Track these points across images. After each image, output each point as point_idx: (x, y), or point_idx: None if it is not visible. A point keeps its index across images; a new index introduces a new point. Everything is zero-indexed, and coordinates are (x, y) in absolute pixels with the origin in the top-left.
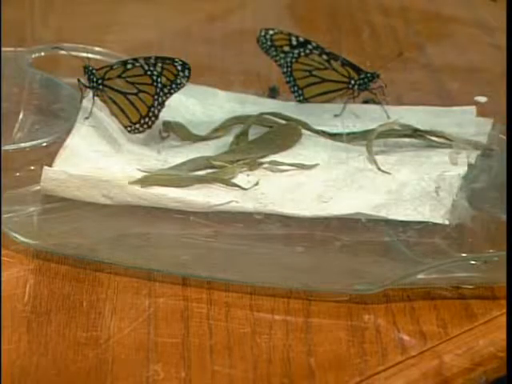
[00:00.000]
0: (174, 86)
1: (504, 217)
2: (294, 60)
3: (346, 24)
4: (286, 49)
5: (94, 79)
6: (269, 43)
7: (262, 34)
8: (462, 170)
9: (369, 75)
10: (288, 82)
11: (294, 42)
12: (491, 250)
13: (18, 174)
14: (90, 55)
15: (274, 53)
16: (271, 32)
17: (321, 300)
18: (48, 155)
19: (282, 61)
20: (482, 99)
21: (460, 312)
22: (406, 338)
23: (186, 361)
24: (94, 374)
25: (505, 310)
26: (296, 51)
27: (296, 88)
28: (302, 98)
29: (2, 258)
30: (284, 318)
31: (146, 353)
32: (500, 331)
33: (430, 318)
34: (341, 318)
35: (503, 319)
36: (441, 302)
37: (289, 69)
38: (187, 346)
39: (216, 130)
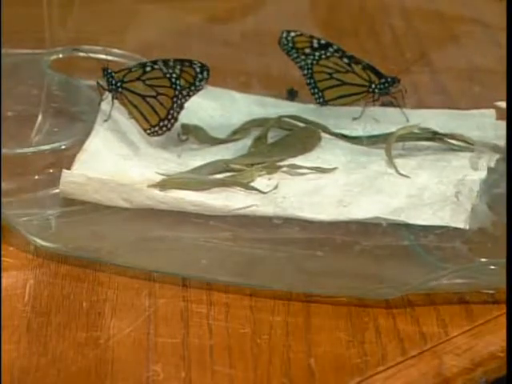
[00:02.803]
0: (192, 88)
1: None
2: (314, 62)
3: (367, 27)
4: (307, 51)
5: (113, 82)
6: (290, 45)
7: (284, 35)
8: (483, 174)
9: (389, 80)
10: (308, 84)
11: (316, 45)
12: None
13: (36, 176)
14: (108, 57)
15: (295, 55)
16: (292, 34)
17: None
18: (67, 158)
19: (303, 63)
20: (503, 104)
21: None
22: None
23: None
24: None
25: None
26: (317, 53)
27: (316, 90)
28: (322, 100)
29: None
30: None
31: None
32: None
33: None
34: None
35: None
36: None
37: (309, 71)
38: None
39: (235, 132)
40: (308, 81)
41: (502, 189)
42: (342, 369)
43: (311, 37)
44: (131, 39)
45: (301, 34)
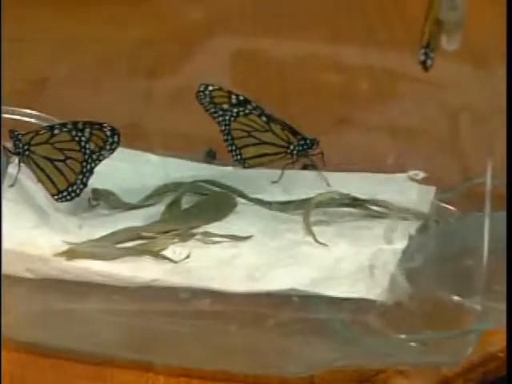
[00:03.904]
0: (103, 152)
1: (441, 294)
2: (232, 119)
3: (292, 84)
4: (226, 106)
5: (20, 145)
6: (208, 99)
7: (202, 88)
8: (401, 244)
9: (308, 141)
10: (225, 141)
11: (234, 101)
12: (429, 331)
13: None
14: (18, 117)
15: (213, 110)
16: (211, 88)
17: None
18: None
19: (221, 119)
20: (418, 175)
21: None
22: None
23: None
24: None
25: None
26: (235, 110)
27: (234, 148)
28: (239, 157)
29: None
30: None
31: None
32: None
33: None
34: None
35: None
36: None
37: (227, 127)
38: None
39: (148, 197)
40: (225, 137)
41: (421, 259)
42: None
43: (229, 92)
44: (46, 99)
45: (219, 89)
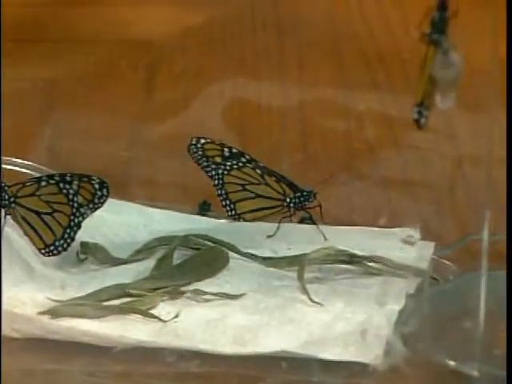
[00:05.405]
0: (91, 205)
1: (438, 358)
2: (225, 172)
3: (290, 134)
4: (218, 160)
5: (6, 197)
6: (200, 153)
7: (193, 142)
8: (398, 304)
9: (305, 193)
10: (219, 196)
11: (227, 153)
12: None
13: None
14: (6, 167)
15: (205, 163)
16: (202, 141)
17: None
18: None
19: (214, 172)
20: (413, 237)
21: None
22: None
23: None
24: None
25: None
26: (228, 163)
27: (227, 202)
28: (233, 213)
29: None
30: None
31: None
32: None
33: None
34: None
35: None
36: None
37: (220, 181)
38: None
39: (138, 251)
40: (218, 191)
41: (419, 321)
42: None
43: (222, 145)
44: (35, 149)
45: (211, 142)
